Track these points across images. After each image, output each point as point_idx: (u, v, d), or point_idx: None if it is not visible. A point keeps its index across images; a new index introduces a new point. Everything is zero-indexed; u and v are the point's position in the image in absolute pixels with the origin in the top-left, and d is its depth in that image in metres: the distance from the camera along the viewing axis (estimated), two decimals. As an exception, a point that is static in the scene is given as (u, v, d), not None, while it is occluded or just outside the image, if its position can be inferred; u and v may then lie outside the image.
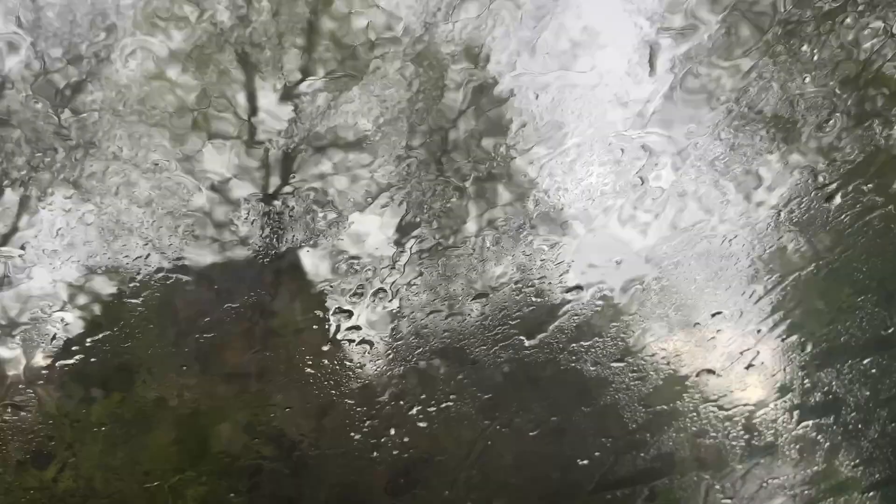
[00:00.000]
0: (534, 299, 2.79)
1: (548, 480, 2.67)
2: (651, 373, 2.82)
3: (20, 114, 2.46)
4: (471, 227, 2.71)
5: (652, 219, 2.72)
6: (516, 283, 2.69)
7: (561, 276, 2.80)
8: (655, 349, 2.82)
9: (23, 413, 2.45)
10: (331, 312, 2.70)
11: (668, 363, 2.81)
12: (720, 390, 2.85)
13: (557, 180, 2.63)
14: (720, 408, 2.87)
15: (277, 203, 2.71)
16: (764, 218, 2.71)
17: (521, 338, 2.73)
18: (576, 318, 2.77)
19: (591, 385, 2.75)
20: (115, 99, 2.51)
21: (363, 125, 2.78)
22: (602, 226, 2.66)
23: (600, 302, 2.79)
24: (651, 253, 2.76)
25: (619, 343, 2.76)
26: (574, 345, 2.75)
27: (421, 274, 2.70)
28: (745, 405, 2.87)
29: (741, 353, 2.84)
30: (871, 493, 2.95)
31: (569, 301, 2.78)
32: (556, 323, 2.76)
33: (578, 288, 2.77)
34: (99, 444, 2.36)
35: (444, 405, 2.61)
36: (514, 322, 2.72)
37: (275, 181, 2.78)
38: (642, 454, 2.81)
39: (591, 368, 2.77)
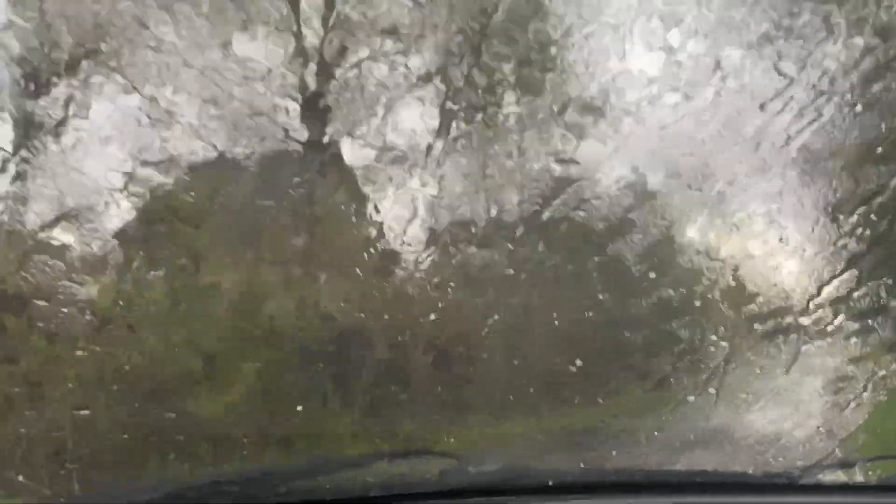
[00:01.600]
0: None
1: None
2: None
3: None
4: (511, 114, 2.71)
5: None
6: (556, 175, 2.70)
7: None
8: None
9: (82, 293, 2.60)
10: (372, 201, 2.77)
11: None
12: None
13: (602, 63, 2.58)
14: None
15: (318, 92, 2.73)
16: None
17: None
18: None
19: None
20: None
21: (400, 11, 2.75)
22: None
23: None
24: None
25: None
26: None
27: (460, 162, 2.73)
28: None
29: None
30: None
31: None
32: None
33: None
34: (159, 321, 2.52)
35: (485, 286, 2.70)
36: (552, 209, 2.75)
37: (315, 69, 2.79)
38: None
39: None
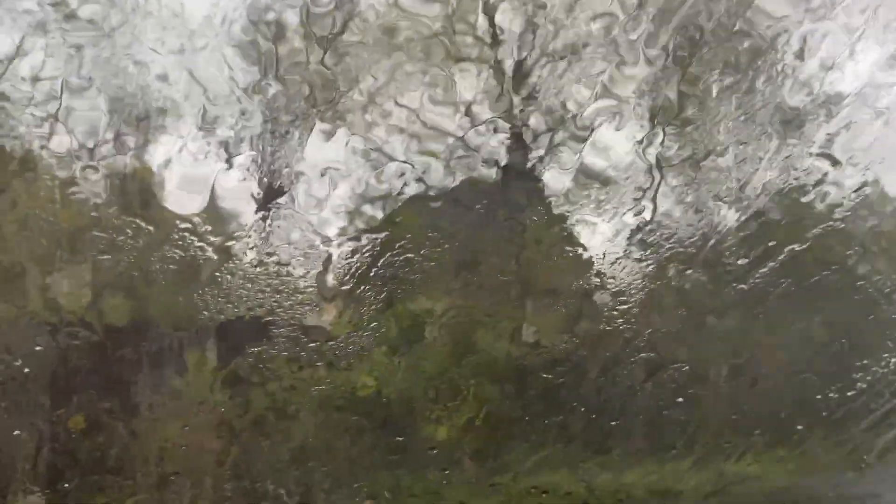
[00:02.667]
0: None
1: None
2: None
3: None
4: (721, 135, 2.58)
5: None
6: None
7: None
8: None
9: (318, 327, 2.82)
10: (580, 227, 2.77)
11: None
12: None
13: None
14: None
15: (519, 120, 2.77)
16: None
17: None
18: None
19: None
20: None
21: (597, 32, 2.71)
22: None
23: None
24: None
25: None
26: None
27: (670, 182, 2.64)
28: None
29: None
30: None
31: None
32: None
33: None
34: (384, 349, 2.68)
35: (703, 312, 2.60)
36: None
37: (513, 99, 2.83)
38: None
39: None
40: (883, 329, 2.55)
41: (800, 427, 2.42)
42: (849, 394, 2.45)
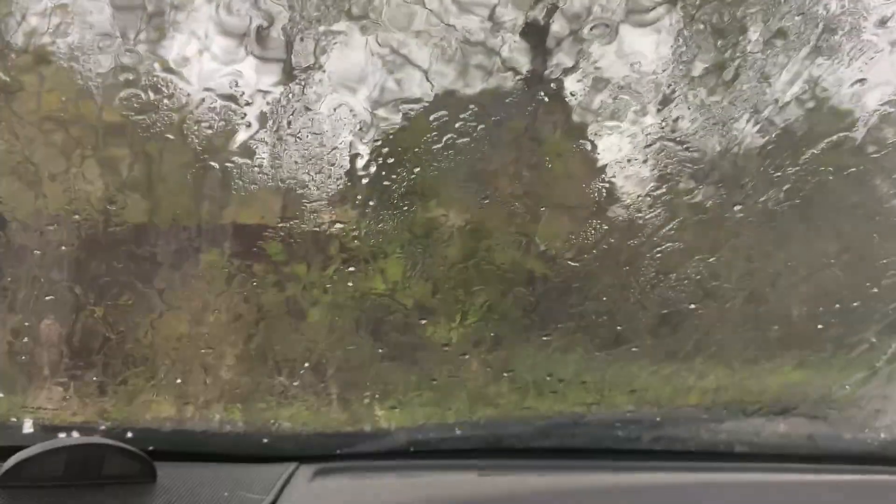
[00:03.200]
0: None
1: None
2: None
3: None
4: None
5: None
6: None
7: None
8: None
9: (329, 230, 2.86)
10: (596, 138, 2.73)
11: None
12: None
13: None
14: None
15: (542, 25, 2.68)
16: None
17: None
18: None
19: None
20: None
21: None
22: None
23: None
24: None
25: None
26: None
27: (696, 99, 2.57)
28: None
29: None
30: None
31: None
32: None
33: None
34: (402, 258, 2.72)
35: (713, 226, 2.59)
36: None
37: (539, 5, 2.73)
38: None
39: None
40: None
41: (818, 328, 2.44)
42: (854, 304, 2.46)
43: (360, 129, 2.79)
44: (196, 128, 2.79)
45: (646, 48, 2.63)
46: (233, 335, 2.86)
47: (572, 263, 2.74)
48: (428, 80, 2.82)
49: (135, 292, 2.63)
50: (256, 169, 2.86)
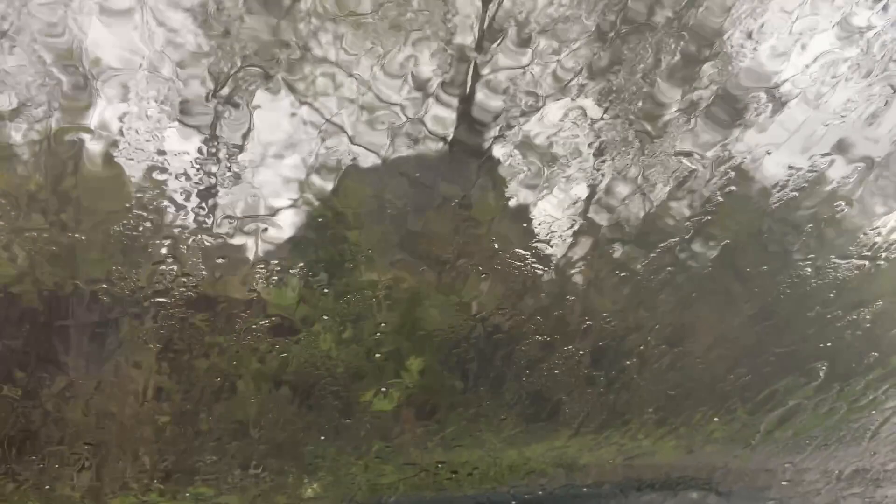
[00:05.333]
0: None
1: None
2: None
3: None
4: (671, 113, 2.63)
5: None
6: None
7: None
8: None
9: (261, 296, 2.79)
10: (528, 203, 2.79)
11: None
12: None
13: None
14: None
15: (472, 96, 2.77)
16: None
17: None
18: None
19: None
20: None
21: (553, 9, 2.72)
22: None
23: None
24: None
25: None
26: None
27: (615, 164, 2.68)
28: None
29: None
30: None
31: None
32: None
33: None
34: (330, 322, 2.67)
35: (635, 286, 2.65)
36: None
37: (469, 74, 2.82)
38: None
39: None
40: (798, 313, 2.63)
41: (693, 403, 2.49)
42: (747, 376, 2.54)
43: (290, 195, 2.79)
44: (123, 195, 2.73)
45: (566, 117, 2.75)
46: (153, 411, 2.72)
47: (504, 328, 2.76)
48: (357, 145, 2.85)
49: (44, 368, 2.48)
50: (185, 235, 2.81)
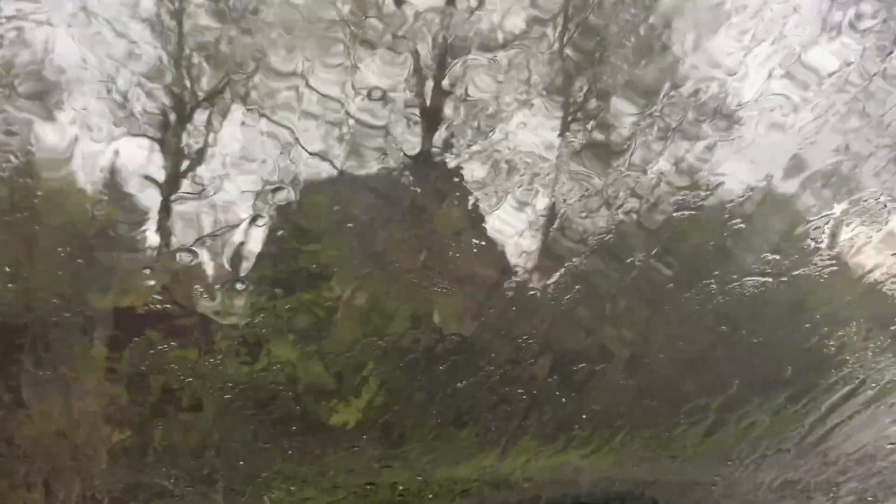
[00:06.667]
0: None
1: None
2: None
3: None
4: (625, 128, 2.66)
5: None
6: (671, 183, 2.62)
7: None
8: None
9: (222, 313, 2.75)
10: (487, 214, 2.79)
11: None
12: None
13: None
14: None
15: (434, 109, 2.77)
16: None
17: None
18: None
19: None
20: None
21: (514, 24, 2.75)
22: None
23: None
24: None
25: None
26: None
27: (576, 175, 2.70)
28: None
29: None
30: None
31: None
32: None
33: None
34: (293, 337, 2.64)
35: (605, 301, 2.66)
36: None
37: (427, 87, 2.83)
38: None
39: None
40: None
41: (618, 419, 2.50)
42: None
43: (249, 209, 2.75)
44: (80, 211, 2.68)
45: (528, 132, 2.76)
46: (110, 429, 2.65)
47: (469, 341, 2.75)
48: (324, 160, 2.83)
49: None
50: (144, 251, 2.76)
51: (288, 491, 2.38)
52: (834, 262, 2.51)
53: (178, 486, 2.57)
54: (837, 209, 2.61)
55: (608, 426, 2.41)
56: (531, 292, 2.59)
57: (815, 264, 2.48)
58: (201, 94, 2.70)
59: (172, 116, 2.72)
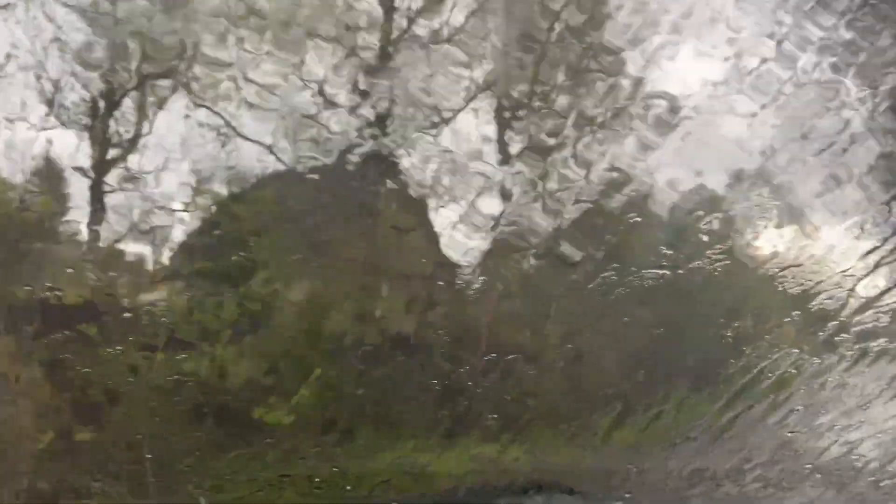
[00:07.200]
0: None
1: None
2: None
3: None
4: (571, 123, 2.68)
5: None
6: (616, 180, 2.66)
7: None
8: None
9: (156, 306, 2.68)
10: (431, 211, 2.79)
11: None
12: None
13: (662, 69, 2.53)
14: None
15: (376, 105, 2.75)
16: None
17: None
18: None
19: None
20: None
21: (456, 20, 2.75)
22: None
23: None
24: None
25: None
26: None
27: (518, 171, 2.71)
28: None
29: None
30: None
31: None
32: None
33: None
34: (227, 333, 2.59)
35: (544, 302, 2.68)
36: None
37: (373, 83, 2.81)
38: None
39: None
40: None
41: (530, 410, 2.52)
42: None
43: (186, 200, 2.70)
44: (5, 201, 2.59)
45: (471, 128, 2.77)
46: (40, 427, 2.56)
47: (410, 337, 2.74)
48: (267, 152, 2.79)
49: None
50: (74, 243, 2.68)
51: (205, 484, 2.35)
52: (726, 255, 2.60)
53: (101, 483, 2.50)
54: (733, 205, 2.68)
55: (521, 418, 2.43)
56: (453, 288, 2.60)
57: (709, 258, 2.55)
58: (136, 83, 2.63)
59: (104, 105, 2.65)
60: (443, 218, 2.75)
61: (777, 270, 2.61)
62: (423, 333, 2.53)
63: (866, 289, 2.66)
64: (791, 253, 2.66)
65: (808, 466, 2.43)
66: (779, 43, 2.43)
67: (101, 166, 2.68)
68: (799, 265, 2.59)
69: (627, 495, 2.08)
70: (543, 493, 1.96)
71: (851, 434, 2.46)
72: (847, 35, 2.37)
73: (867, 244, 2.56)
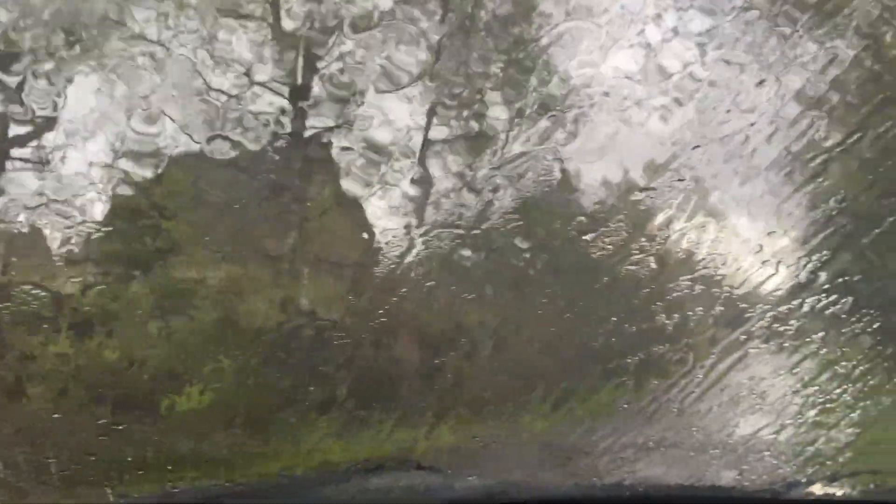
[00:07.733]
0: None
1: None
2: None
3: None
4: (498, 112, 2.64)
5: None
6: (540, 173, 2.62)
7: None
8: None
9: (65, 289, 2.56)
10: (360, 197, 2.71)
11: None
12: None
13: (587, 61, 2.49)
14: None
15: (303, 86, 2.67)
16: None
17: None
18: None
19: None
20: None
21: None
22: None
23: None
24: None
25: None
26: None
27: (447, 159, 2.67)
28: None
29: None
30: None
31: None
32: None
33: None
34: (138, 319, 2.49)
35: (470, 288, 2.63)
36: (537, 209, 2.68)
37: (299, 66, 2.73)
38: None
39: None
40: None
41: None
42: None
43: (100, 181, 2.58)
44: None
45: (403, 114, 2.71)
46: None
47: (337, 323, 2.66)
48: (185, 133, 2.68)
49: None
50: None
51: (126, 479, 2.24)
52: (651, 248, 2.59)
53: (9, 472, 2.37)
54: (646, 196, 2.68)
55: (450, 404, 2.39)
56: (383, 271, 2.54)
57: (636, 250, 2.55)
58: (46, 55, 2.50)
59: (13, 80, 2.51)
60: (369, 203, 2.68)
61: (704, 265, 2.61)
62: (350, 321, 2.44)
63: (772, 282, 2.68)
64: (703, 247, 2.66)
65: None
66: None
67: (7, 143, 2.55)
68: (709, 257, 2.60)
69: (476, 470, 2.05)
70: (392, 471, 1.90)
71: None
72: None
73: (776, 237, 2.58)
